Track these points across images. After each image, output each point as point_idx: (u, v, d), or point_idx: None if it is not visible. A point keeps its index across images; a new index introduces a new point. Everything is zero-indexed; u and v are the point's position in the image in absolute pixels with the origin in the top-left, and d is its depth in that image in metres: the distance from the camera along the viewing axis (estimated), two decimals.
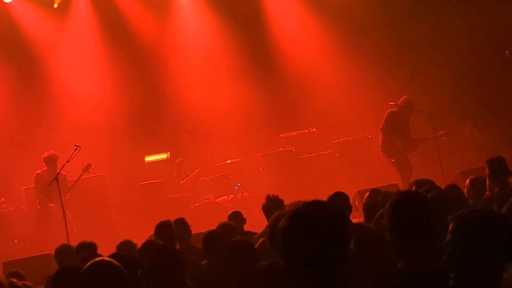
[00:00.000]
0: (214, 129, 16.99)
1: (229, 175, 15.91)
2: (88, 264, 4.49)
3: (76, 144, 13.15)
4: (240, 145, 16.54)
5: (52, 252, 9.07)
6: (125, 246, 8.11)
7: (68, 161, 13.07)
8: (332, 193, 7.87)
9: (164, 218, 8.70)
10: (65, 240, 11.55)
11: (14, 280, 6.61)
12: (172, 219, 8.66)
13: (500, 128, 16.22)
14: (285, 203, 8.13)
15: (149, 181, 16.09)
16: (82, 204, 14.69)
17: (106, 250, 8.23)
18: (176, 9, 18.06)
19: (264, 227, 7.37)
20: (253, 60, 17.63)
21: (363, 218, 8.59)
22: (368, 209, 7.94)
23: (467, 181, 8.67)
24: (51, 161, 14.32)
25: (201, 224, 11.58)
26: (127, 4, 17.72)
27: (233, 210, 9.76)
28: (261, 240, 7.09)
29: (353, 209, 10.53)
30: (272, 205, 8.00)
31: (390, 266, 4.11)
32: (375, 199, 8.07)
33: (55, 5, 17.18)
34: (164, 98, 17.66)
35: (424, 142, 14.56)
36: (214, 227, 8.07)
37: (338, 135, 16.38)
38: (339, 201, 7.60)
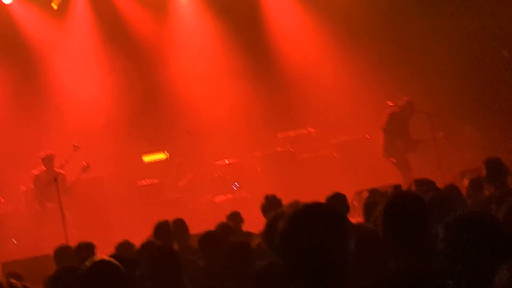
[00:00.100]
0: (212, 129, 16.98)
1: (227, 175, 15.92)
2: (88, 263, 4.49)
3: (75, 144, 13.16)
4: (239, 145, 16.53)
5: (51, 253, 9.07)
6: (124, 247, 8.13)
7: (67, 161, 13.07)
8: (330, 195, 7.87)
9: (162, 219, 8.71)
10: (64, 240, 11.56)
11: (13, 281, 6.61)
12: (171, 219, 8.66)
13: (499, 128, 16.22)
14: (284, 203, 8.15)
15: (147, 182, 16.10)
16: (81, 204, 14.70)
17: (104, 251, 8.24)
18: (175, 10, 18.05)
19: (262, 228, 7.37)
20: (251, 60, 17.61)
21: (361, 219, 8.59)
22: (368, 209, 7.94)
23: (466, 181, 8.67)
24: (48, 160, 14.34)
25: (200, 224, 11.56)
26: (126, 4, 17.71)
27: (232, 210, 9.76)
28: (258, 240, 7.10)
29: (351, 210, 10.54)
30: (270, 205, 8.02)
31: (385, 266, 4.11)
32: (375, 199, 8.07)
33: (55, 6, 17.17)
34: (162, 98, 17.65)
35: (423, 143, 14.56)
36: (212, 227, 8.07)
37: (336, 135, 16.38)
38: (337, 202, 7.61)
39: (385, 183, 12.75)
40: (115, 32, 17.57)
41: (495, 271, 2.75)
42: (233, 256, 6.10)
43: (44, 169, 14.39)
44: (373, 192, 8.78)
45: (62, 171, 13.37)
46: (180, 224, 8.63)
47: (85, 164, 14.20)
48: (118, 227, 14.85)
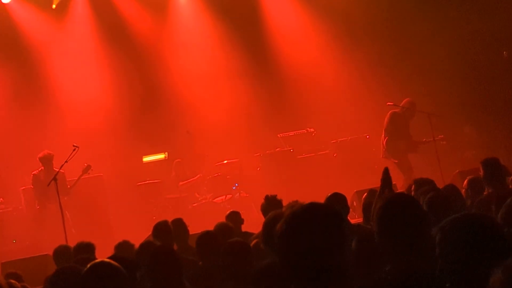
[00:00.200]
0: (212, 129, 16.99)
1: (227, 175, 15.93)
2: (88, 266, 4.50)
3: (74, 144, 13.16)
4: (238, 145, 16.54)
5: (51, 253, 9.07)
6: (123, 247, 8.12)
7: (66, 161, 13.08)
8: (329, 195, 7.87)
9: (162, 219, 8.71)
10: (64, 240, 11.56)
11: (13, 281, 6.61)
12: (170, 219, 8.66)
13: (499, 128, 16.23)
14: (283, 203, 8.14)
15: (147, 181, 16.11)
16: (80, 204, 14.69)
17: (104, 251, 8.26)
18: (174, 10, 18.06)
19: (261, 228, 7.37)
20: (251, 60, 17.63)
21: (361, 219, 8.59)
22: (367, 209, 7.94)
23: (465, 182, 8.67)
24: (46, 160, 14.33)
25: (199, 224, 11.56)
26: (125, 4, 17.72)
27: (231, 210, 9.74)
28: (254, 241, 7.10)
29: (351, 210, 10.55)
30: (270, 205, 8.01)
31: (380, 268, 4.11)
32: (374, 199, 8.06)
33: (54, 6, 17.17)
34: (162, 98, 17.66)
35: (424, 144, 14.57)
36: (211, 227, 8.06)
37: (336, 135, 16.39)
38: (337, 202, 7.60)
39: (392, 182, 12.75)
40: (114, 32, 17.57)
41: (489, 275, 2.75)
42: (232, 256, 6.10)
43: (43, 168, 14.38)
44: (372, 192, 8.76)
45: (61, 170, 13.36)
46: (179, 224, 8.63)
47: (87, 165, 14.24)
48: (117, 227, 14.86)
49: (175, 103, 17.56)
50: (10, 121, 16.62)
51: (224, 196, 15.62)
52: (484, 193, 8.11)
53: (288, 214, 3.21)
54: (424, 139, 14.48)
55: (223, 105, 17.29)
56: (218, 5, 17.89)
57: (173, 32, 17.96)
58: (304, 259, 3.09)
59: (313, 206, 3.21)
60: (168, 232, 8.27)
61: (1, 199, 15.41)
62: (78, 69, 17.24)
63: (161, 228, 8.31)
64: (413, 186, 8.42)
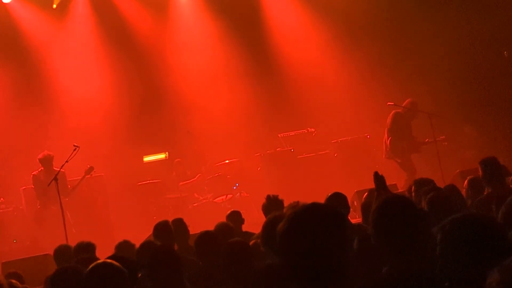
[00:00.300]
0: (212, 129, 16.99)
1: (227, 175, 15.93)
2: (90, 266, 4.50)
3: (75, 144, 13.16)
4: (239, 145, 16.54)
5: (51, 253, 9.07)
6: (124, 247, 8.12)
7: (67, 161, 13.08)
8: (330, 194, 7.86)
9: (162, 218, 8.69)
10: (64, 240, 11.55)
11: (14, 281, 6.61)
12: (171, 219, 8.64)
13: (499, 128, 16.23)
14: (284, 203, 8.13)
15: (148, 181, 16.10)
16: (81, 204, 14.69)
17: (104, 251, 8.26)
18: (175, 9, 18.06)
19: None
20: (251, 60, 17.63)
21: (361, 219, 8.58)
22: (366, 209, 7.93)
23: (466, 181, 8.66)
24: (46, 161, 14.34)
25: (200, 224, 11.57)
26: (125, 4, 17.72)
27: (232, 209, 9.73)
28: (253, 241, 7.10)
29: (351, 210, 10.55)
30: (272, 205, 8.01)
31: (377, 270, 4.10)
32: (373, 199, 8.05)
33: (54, 6, 17.17)
34: (162, 98, 17.66)
35: (426, 145, 14.56)
36: (212, 227, 8.06)
37: (336, 135, 16.39)
38: (337, 202, 7.59)
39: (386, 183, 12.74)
40: (115, 32, 17.57)
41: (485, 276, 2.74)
42: (232, 256, 6.09)
43: (42, 169, 14.39)
44: (372, 192, 8.75)
45: (62, 170, 13.36)
46: (179, 224, 8.62)
47: (89, 166, 14.28)
48: (118, 227, 14.85)
49: (175, 103, 17.56)
50: (10, 120, 16.61)
51: (225, 196, 15.62)
52: (484, 193, 8.11)
53: (289, 214, 3.21)
54: (427, 140, 14.47)
55: (224, 105, 17.29)
56: (219, 5, 17.89)
57: (173, 32, 17.96)
58: (305, 259, 3.09)
59: (314, 206, 3.21)
60: (169, 232, 8.26)
61: (1, 199, 15.41)
62: (78, 69, 17.24)
63: (161, 228, 8.30)
64: (413, 187, 8.42)
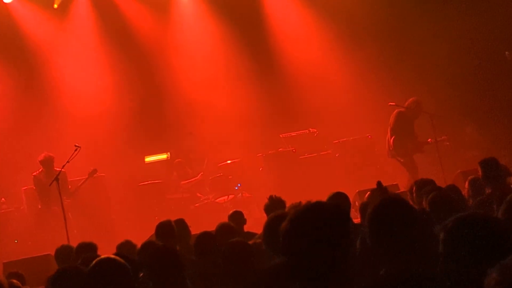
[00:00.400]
0: (214, 129, 16.98)
1: (229, 175, 15.93)
2: (94, 261, 4.51)
3: (76, 144, 13.16)
4: (240, 146, 16.53)
5: (53, 253, 9.08)
6: (125, 247, 8.11)
7: (68, 162, 13.09)
8: (331, 194, 7.85)
9: (164, 219, 8.68)
10: (65, 240, 11.54)
11: (14, 281, 6.61)
12: (172, 219, 8.64)
13: (501, 129, 16.22)
14: (286, 203, 8.13)
15: (149, 182, 16.10)
16: (82, 204, 14.70)
17: (106, 251, 8.23)
18: (176, 9, 18.05)
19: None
20: (253, 60, 17.63)
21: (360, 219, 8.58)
22: (365, 210, 7.92)
23: (467, 182, 8.66)
24: (47, 162, 14.36)
25: (201, 224, 11.57)
26: (127, 4, 17.71)
27: (234, 209, 9.72)
28: (254, 241, 7.09)
29: (353, 210, 10.53)
30: (274, 205, 8.01)
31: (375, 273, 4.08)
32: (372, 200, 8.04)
33: (55, 6, 17.17)
34: (164, 98, 17.66)
35: (428, 145, 14.55)
36: (214, 227, 8.07)
37: (338, 135, 16.37)
38: (339, 201, 7.59)
39: (387, 183, 12.74)
40: (116, 32, 17.58)
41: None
42: (233, 256, 6.09)
43: (43, 169, 14.39)
44: (375, 191, 8.74)
45: (63, 170, 13.36)
46: (181, 224, 8.61)
47: (93, 169, 14.32)
48: (119, 227, 14.85)
49: (177, 103, 17.56)
50: (11, 120, 16.61)
51: (227, 196, 15.61)
52: (486, 192, 8.10)
53: (293, 212, 3.20)
54: (429, 139, 14.45)
55: (226, 105, 17.29)
56: (221, 5, 17.89)
57: (175, 32, 17.96)
58: (308, 258, 3.08)
59: (318, 204, 3.20)
60: (171, 232, 8.25)
61: (2, 199, 15.43)
62: (80, 69, 17.24)
63: (164, 228, 8.29)
64: (414, 187, 8.42)
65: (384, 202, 3.96)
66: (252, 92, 17.32)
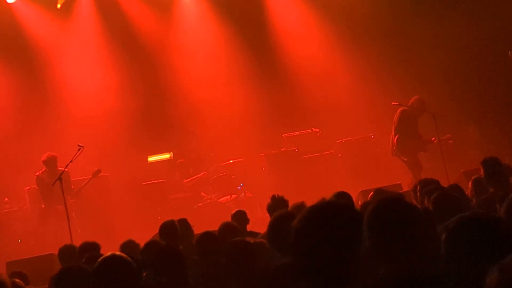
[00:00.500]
0: (217, 129, 16.99)
1: (232, 175, 15.93)
2: (101, 258, 4.53)
3: (79, 144, 13.17)
4: (243, 145, 16.53)
5: (56, 252, 9.09)
6: (128, 246, 8.12)
7: (71, 161, 13.10)
8: (334, 193, 7.84)
9: (166, 218, 8.69)
10: (69, 240, 11.56)
11: (18, 280, 6.62)
12: (175, 219, 8.65)
13: (503, 128, 16.21)
14: (289, 203, 8.13)
15: (152, 181, 16.10)
16: (85, 204, 14.71)
17: (109, 250, 8.22)
18: (179, 9, 18.06)
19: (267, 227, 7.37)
20: (255, 60, 17.63)
21: None
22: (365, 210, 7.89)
23: (470, 181, 8.66)
24: (50, 162, 14.37)
25: (204, 224, 11.57)
26: (130, 4, 17.72)
27: (237, 209, 9.71)
28: (256, 240, 7.09)
29: None
30: (277, 205, 8.01)
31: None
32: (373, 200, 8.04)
33: (58, 6, 17.18)
34: (167, 98, 17.67)
35: (432, 144, 14.54)
36: (216, 227, 8.07)
37: (341, 135, 16.37)
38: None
39: (390, 183, 12.76)
40: (119, 32, 17.59)
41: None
42: (235, 255, 6.09)
43: (46, 169, 14.41)
44: (378, 191, 8.74)
45: (66, 169, 13.37)
46: (184, 224, 8.62)
47: (97, 169, 14.35)
48: (122, 227, 14.86)
49: (180, 103, 17.56)
50: (15, 120, 16.63)
51: (229, 196, 15.62)
52: (489, 192, 8.10)
53: (305, 211, 3.16)
54: (433, 138, 14.44)
55: (228, 105, 17.29)
56: (223, 5, 17.89)
57: (178, 32, 17.96)
58: (319, 258, 3.05)
59: (332, 204, 3.17)
60: (175, 231, 8.25)
61: (6, 199, 15.45)
62: (83, 69, 17.26)
63: (167, 228, 8.30)
64: (418, 187, 8.42)
65: (382, 202, 3.94)
66: (255, 92, 17.32)
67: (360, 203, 12.09)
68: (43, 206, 14.49)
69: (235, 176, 15.91)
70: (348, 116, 16.99)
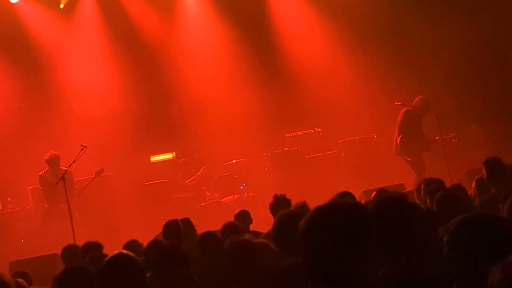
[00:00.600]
0: (219, 128, 16.99)
1: (235, 175, 15.93)
2: (108, 257, 4.55)
3: (82, 144, 13.18)
4: (246, 145, 16.53)
5: (59, 252, 9.09)
6: (131, 246, 8.12)
7: (74, 161, 13.10)
8: (337, 193, 7.84)
9: (169, 218, 8.70)
10: (72, 240, 11.57)
11: (20, 280, 6.62)
12: (178, 219, 8.66)
13: (505, 128, 16.20)
14: (291, 202, 8.13)
15: (155, 181, 16.11)
16: (88, 204, 14.72)
17: (112, 250, 8.23)
18: (182, 10, 18.06)
19: (269, 227, 7.37)
20: (258, 60, 17.63)
21: None
22: None
23: (474, 181, 8.66)
24: (53, 161, 14.37)
25: (207, 224, 11.57)
26: (133, 4, 17.73)
27: (241, 209, 9.72)
28: (258, 240, 7.09)
29: None
30: (279, 204, 8.01)
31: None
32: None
33: (61, 5, 17.19)
34: (170, 98, 17.67)
35: (436, 143, 14.53)
36: (219, 227, 8.08)
37: (343, 134, 16.37)
38: None
39: (393, 182, 12.75)
40: (122, 32, 17.60)
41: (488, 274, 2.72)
42: (236, 254, 6.09)
43: (49, 169, 14.41)
44: (381, 191, 8.75)
45: (69, 169, 13.38)
46: (187, 223, 8.63)
47: (100, 168, 14.35)
48: (125, 226, 14.86)
49: (183, 103, 17.57)
50: (18, 120, 16.65)
51: (232, 196, 15.62)
52: (492, 192, 8.10)
53: (314, 211, 3.14)
54: (437, 137, 14.43)
55: (231, 105, 17.30)
56: (226, 6, 17.90)
57: (181, 32, 17.97)
58: (328, 259, 3.02)
59: (341, 203, 3.14)
60: (178, 231, 8.26)
61: (9, 198, 15.45)
62: (86, 69, 17.27)
63: (171, 228, 8.31)
64: (422, 186, 8.42)
65: (382, 202, 3.93)
66: (258, 92, 17.31)
67: (363, 203, 12.09)
68: (46, 206, 14.50)
69: (238, 176, 15.92)
70: (351, 116, 16.99)
